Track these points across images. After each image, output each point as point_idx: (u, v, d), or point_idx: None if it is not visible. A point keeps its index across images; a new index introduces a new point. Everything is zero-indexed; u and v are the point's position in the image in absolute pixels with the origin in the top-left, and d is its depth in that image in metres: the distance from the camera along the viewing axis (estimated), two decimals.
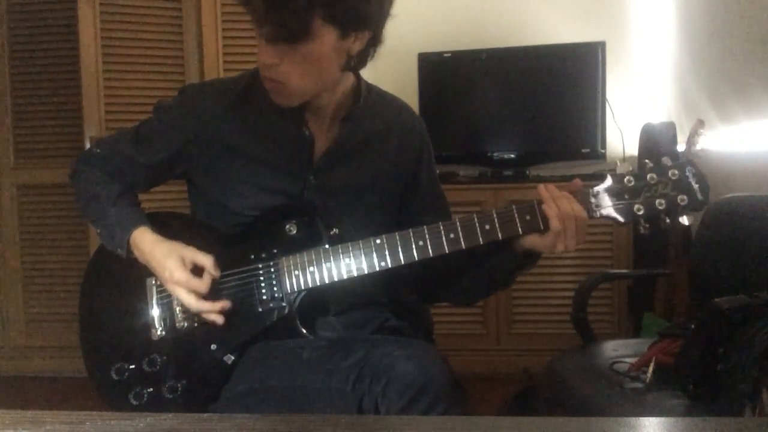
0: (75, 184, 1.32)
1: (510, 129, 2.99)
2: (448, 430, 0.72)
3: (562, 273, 2.76)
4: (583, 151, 2.90)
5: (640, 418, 1.11)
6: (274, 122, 1.25)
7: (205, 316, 1.18)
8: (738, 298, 1.28)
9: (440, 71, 2.98)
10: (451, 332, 2.74)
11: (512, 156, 2.94)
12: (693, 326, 1.37)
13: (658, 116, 2.94)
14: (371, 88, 1.32)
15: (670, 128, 2.62)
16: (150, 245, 1.20)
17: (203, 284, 1.16)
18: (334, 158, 1.26)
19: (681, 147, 2.39)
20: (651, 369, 1.45)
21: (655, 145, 2.58)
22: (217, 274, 1.18)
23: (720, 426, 0.69)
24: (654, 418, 1.20)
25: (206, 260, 1.17)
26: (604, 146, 2.88)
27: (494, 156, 2.95)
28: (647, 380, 1.44)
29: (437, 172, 1.41)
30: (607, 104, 2.89)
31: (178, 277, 1.15)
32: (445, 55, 2.94)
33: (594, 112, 2.88)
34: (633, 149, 2.92)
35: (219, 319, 1.17)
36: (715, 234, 1.80)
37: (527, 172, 2.88)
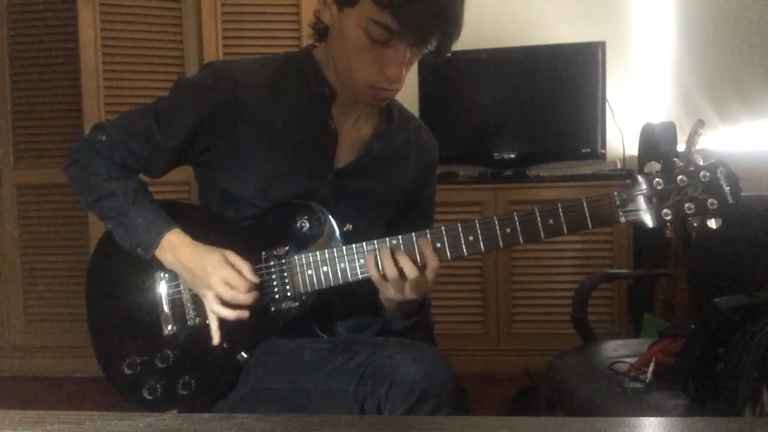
0: (75, 175, 1.24)
1: (510, 129, 2.99)
2: (448, 431, 0.72)
3: (562, 273, 2.76)
4: (583, 151, 2.90)
5: (640, 418, 1.11)
6: (302, 111, 1.24)
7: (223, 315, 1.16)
8: (738, 298, 1.28)
9: (440, 71, 2.97)
10: (451, 332, 2.75)
11: (512, 156, 2.94)
12: (693, 326, 1.37)
13: (658, 116, 2.94)
14: (394, 102, 1.31)
15: (670, 128, 2.61)
16: (191, 250, 1.16)
17: (243, 284, 1.14)
18: (359, 167, 1.26)
19: (681, 147, 2.39)
20: (651, 369, 1.45)
21: (655, 145, 2.58)
22: (255, 279, 1.15)
23: (720, 426, 0.69)
24: (654, 418, 1.19)
25: (244, 266, 1.15)
26: (604, 146, 2.88)
27: (494, 156, 2.95)
28: (647, 380, 1.43)
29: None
30: (607, 104, 2.89)
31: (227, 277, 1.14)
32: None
33: (594, 112, 2.88)
34: (633, 149, 2.92)
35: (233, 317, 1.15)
36: (715, 234, 1.79)
37: (527, 172, 2.88)
